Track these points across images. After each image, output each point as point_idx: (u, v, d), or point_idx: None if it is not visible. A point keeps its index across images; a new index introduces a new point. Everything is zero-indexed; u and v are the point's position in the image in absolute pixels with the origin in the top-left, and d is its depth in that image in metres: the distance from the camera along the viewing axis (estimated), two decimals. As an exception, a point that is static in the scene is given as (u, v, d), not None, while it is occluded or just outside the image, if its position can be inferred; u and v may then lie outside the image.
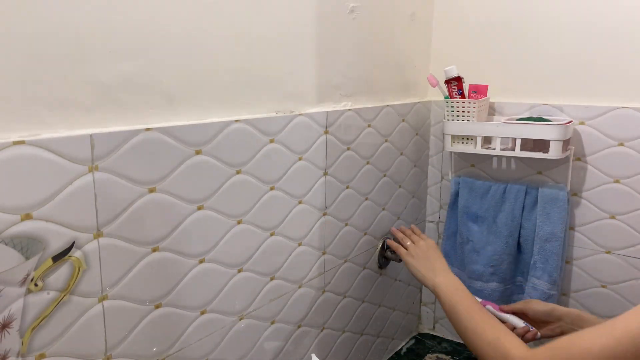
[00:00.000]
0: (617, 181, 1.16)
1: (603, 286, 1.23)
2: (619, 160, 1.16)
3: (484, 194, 1.29)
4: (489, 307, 0.95)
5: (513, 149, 1.20)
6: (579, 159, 1.21)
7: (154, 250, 0.73)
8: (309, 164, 0.99)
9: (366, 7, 1.09)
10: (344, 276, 1.14)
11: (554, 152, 1.13)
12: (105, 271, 0.67)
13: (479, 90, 1.25)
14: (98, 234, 0.66)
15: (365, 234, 1.19)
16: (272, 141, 0.89)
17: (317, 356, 0.86)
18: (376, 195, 1.21)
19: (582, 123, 1.20)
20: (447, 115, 1.26)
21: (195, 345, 0.81)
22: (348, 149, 1.08)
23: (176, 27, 0.73)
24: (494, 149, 1.21)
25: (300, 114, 0.95)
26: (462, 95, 1.24)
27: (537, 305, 0.96)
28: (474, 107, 1.22)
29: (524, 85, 1.27)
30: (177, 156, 0.74)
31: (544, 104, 1.24)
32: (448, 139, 1.27)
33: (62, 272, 0.62)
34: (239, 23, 0.82)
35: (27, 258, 0.58)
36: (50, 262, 0.61)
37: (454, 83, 1.23)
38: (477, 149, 1.23)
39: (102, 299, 0.67)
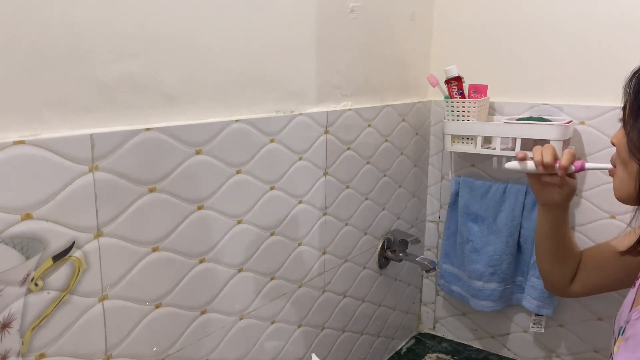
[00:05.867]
0: (579, 160, 1.16)
1: (603, 286, 1.23)
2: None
3: (484, 193, 1.29)
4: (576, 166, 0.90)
5: (513, 149, 1.20)
6: (579, 159, 1.21)
7: (154, 250, 0.73)
8: (309, 164, 0.99)
9: (366, 7, 1.09)
10: (344, 276, 1.14)
11: (554, 152, 1.13)
12: (105, 271, 0.67)
13: (479, 90, 1.25)
14: (98, 234, 0.66)
15: (365, 233, 1.19)
16: (272, 141, 0.89)
17: (317, 356, 0.86)
18: (376, 195, 1.21)
19: (582, 123, 1.20)
20: (447, 115, 1.26)
21: (195, 345, 0.81)
22: (348, 148, 1.09)
23: (176, 27, 0.73)
24: (494, 148, 1.21)
25: (300, 114, 0.95)
26: (462, 95, 1.24)
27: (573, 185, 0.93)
28: (474, 107, 1.22)
29: (524, 85, 1.27)
30: (177, 156, 0.74)
31: (544, 104, 1.24)
32: (448, 138, 1.27)
33: (63, 272, 0.62)
34: (238, 23, 0.82)
35: (27, 258, 0.59)
36: (50, 261, 0.61)
37: (454, 83, 1.23)
38: (477, 148, 1.23)
39: (102, 298, 0.67)
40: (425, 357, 1.41)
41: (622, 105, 0.77)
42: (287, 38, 0.91)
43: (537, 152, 0.91)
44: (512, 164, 0.95)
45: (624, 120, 0.77)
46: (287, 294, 0.98)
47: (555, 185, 0.92)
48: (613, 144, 0.81)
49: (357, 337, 1.23)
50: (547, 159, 0.89)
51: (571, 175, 0.93)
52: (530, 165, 0.92)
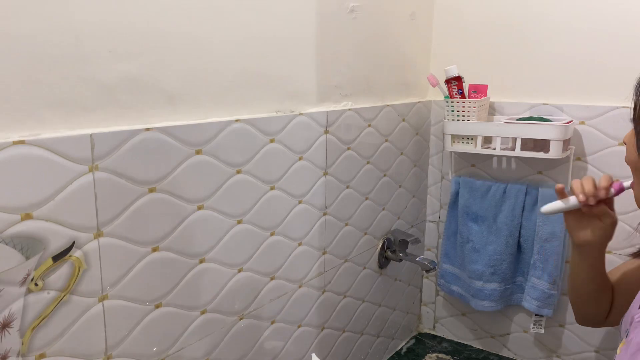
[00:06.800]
0: (616, 181, 1.16)
1: (603, 286, 1.22)
2: (619, 160, 1.15)
3: (484, 193, 1.29)
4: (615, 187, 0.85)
5: (513, 149, 1.20)
6: (579, 159, 1.21)
7: (154, 250, 0.73)
8: (309, 164, 0.99)
9: (366, 7, 1.09)
10: (344, 276, 1.14)
11: (554, 151, 1.13)
12: (105, 271, 0.67)
13: (479, 90, 1.25)
14: (98, 234, 0.66)
15: (365, 233, 1.19)
16: (272, 141, 0.89)
17: (317, 356, 0.86)
18: (376, 195, 1.21)
19: (582, 123, 1.20)
20: (447, 115, 1.26)
21: (195, 345, 0.81)
22: (348, 148, 1.09)
23: (176, 27, 0.73)
24: (494, 148, 1.21)
25: (300, 114, 0.95)
26: (462, 95, 1.24)
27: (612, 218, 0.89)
28: (474, 107, 1.22)
29: (524, 85, 1.27)
30: (177, 156, 0.74)
31: (544, 104, 1.24)
32: (448, 138, 1.27)
33: (62, 272, 0.62)
34: (239, 23, 0.82)
35: (27, 258, 0.59)
36: (50, 261, 0.61)
37: (454, 83, 1.23)
38: (477, 148, 1.23)
39: (102, 298, 0.67)
40: (425, 357, 1.40)
41: (633, 104, 0.77)
42: (287, 38, 0.91)
43: (576, 183, 0.87)
44: (549, 207, 0.88)
45: (634, 119, 0.77)
46: (287, 294, 0.98)
47: (596, 218, 0.86)
48: (625, 143, 0.82)
49: (357, 337, 1.23)
50: (588, 186, 0.85)
51: (610, 207, 0.87)
52: (571, 200, 0.87)
